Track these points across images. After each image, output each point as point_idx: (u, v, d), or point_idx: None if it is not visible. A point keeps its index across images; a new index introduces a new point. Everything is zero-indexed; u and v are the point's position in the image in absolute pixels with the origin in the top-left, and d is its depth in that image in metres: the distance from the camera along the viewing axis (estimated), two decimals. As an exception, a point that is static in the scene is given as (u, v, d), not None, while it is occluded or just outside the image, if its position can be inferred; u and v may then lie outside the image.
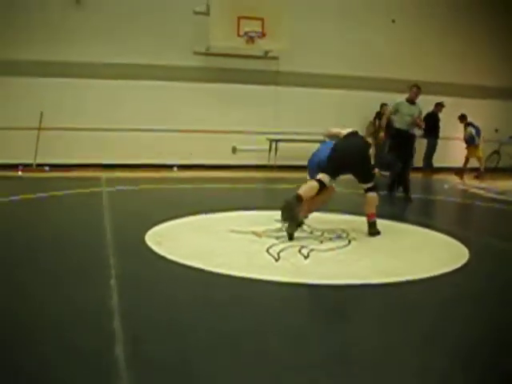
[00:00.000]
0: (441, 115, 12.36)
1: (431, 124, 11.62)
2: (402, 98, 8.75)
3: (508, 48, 13.62)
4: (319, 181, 5.47)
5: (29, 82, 10.75)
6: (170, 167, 11.48)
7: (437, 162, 12.60)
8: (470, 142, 12.19)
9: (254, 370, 2.71)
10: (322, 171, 5.55)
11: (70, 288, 3.80)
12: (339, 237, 5.54)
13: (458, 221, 7.80)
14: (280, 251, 4.83)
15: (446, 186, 10.74)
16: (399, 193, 8.60)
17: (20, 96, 10.76)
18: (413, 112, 8.50)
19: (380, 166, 11.17)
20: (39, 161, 10.86)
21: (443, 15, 13.09)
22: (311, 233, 5.63)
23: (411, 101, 8.57)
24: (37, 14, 10.70)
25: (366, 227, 5.74)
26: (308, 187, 5.46)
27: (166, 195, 8.44)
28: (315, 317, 3.57)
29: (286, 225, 5.38)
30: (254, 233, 5.52)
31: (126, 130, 11.36)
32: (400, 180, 8.61)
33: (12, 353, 2.79)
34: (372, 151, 5.82)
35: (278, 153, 12.21)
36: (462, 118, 12.38)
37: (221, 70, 11.88)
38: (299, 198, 5.32)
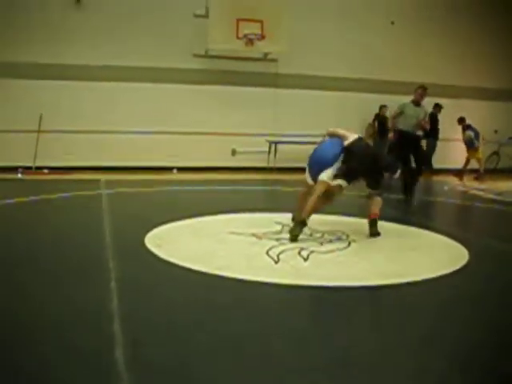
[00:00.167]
0: (440, 116, 12.38)
1: (430, 125, 11.62)
2: (406, 99, 8.72)
3: (507, 49, 13.65)
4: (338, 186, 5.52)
5: (28, 84, 10.76)
6: (169, 169, 11.49)
7: (436, 163, 12.62)
8: (470, 145, 12.21)
9: (255, 372, 2.70)
10: (341, 177, 5.53)
11: (70, 290, 3.80)
12: (339, 239, 5.54)
13: (458, 222, 7.80)
14: (280, 253, 4.82)
15: (445, 188, 10.74)
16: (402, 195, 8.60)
17: (19, 98, 10.78)
18: (418, 114, 8.47)
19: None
20: (38, 163, 10.86)
21: (442, 17, 13.12)
22: (311, 235, 5.63)
23: (416, 102, 8.53)
24: (36, 14, 10.73)
25: (365, 229, 5.74)
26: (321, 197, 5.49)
27: (166, 197, 8.44)
28: (315, 319, 3.57)
29: (293, 228, 5.39)
30: (254, 235, 5.52)
31: (126, 133, 11.38)
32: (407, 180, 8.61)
33: (12, 353, 2.79)
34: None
35: (277, 155, 12.22)
36: (461, 120, 12.40)
37: (220, 72, 11.89)
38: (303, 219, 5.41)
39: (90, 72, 11.13)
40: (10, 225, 6.04)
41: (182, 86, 11.78)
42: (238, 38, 11.23)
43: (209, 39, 11.16)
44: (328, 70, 12.42)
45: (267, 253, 4.84)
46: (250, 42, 11.30)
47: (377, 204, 5.74)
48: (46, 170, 10.72)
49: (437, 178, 12.09)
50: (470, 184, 11.51)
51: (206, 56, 11.77)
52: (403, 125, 8.48)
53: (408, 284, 4.15)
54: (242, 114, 12.11)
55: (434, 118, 12.12)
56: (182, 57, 11.64)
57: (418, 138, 8.78)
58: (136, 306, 3.54)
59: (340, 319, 3.53)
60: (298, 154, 11.44)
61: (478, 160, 12.47)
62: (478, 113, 13.16)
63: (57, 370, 2.64)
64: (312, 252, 4.92)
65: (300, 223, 5.39)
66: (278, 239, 5.36)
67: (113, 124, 11.27)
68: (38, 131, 10.92)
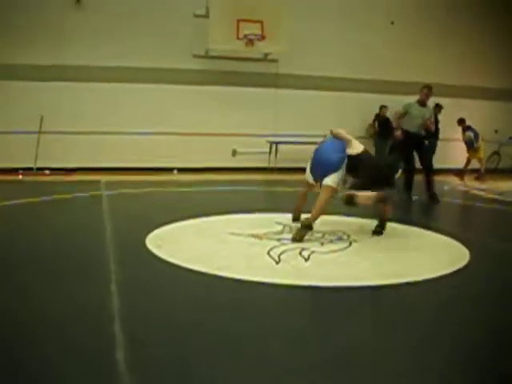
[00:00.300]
0: (440, 116, 12.37)
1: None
2: (410, 99, 8.71)
3: (508, 49, 13.65)
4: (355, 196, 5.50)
5: (28, 86, 10.76)
6: (169, 170, 11.49)
7: (437, 163, 12.58)
8: (470, 146, 12.22)
9: (255, 373, 2.70)
10: (360, 188, 5.48)
11: (71, 290, 3.80)
12: (340, 239, 5.54)
13: (459, 222, 7.80)
14: (281, 253, 4.82)
15: (446, 188, 10.73)
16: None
17: (19, 100, 10.78)
18: (423, 114, 8.44)
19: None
20: (39, 165, 10.87)
21: (442, 17, 13.12)
22: (312, 235, 5.63)
23: (422, 102, 8.51)
24: (36, 15, 10.72)
25: (366, 229, 5.75)
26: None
27: (167, 198, 8.44)
28: (315, 319, 3.57)
29: (298, 231, 5.39)
30: (255, 235, 5.52)
31: (126, 134, 11.38)
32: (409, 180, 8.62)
33: (13, 353, 2.80)
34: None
35: (278, 155, 12.22)
36: (461, 122, 12.41)
37: (220, 72, 11.90)
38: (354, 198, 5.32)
39: (91, 73, 11.14)
40: (11, 226, 6.04)
41: (182, 86, 11.78)
42: (238, 38, 11.23)
43: (209, 39, 11.16)
44: (328, 71, 12.42)
45: (268, 253, 4.84)
46: (250, 42, 11.30)
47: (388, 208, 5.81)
48: (46, 171, 10.73)
49: (437, 178, 12.04)
50: (471, 184, 11.51)
51: (207, 56, 11.78)
52: (408, 125, 8.42)
53: (409, 284, 4.15)
54: (243, 115, 12.12)
55: (434, 118, 12.11)
56: (182, 57, 11.65)
57: (423, 138, 8.76)
58: (136, 306, 3.54)
59: (340, 319, 3.53)
60: (298, 155, 11.45)
61: (480, 160, 12.47)
62: (478, 113, 13.16)
63: (58, 369, 2.65)
64: (313, 252, 4.92)
65: (306, 227, 5.40)
66: (278, 239, 5.36)
67: (113, 125, 11.28)
68: (39, 132, 10.94)
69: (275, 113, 12.24)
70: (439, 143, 12.48)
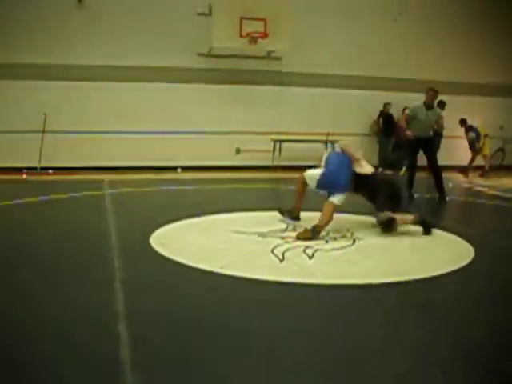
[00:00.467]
0: (443, 113, 12.30)
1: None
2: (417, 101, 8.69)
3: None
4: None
5: (31, 85, 10.76)
6: (173, 169, 11.49)
7: (441, 160, 12.52)
8: (473, 147, 12.20)
9: (258, 370, 2.71)
10: (386, 209, 5.64)
11: (74, 289, 3.81)
12: (344, 236, 5.53)
13: (463, 219, 7.77)
14: (284, 251, 4.82)
15: (450, 185, 10.69)
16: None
17: (23, 99, 10.78)
18: (429, 118, 8.42)
19: (383, 165, 11.18)
20: (43, 164, 10.89)
21: (445, 14, 13.05)
22: (315, 233, 5.62)
23: (428, 105, 8.46)
24: (38, 15, 10.71)
25: (370, 227, 5.75)
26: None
27: (170, 197, 8.45)
28: (319, 317, 3.55)
29: (307, 232, 5.39)
30: (259, 233, 5.52)
31: (129, 133, 11.37)
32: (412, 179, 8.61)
33: (16, 351, 2.81)
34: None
35: (281, 153, 12.20)
36: (463, 122, 12.35)
37: (224, 70, 11.88)
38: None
39: (94, 72, 11.13)
40: (15, 225, 6.05)
41: (185, 85, 11.77)
42: (241, 36, 11.20)
43: (213, 38, 11.14)
44: (332, 68, 12.38)
45: (272, 251, 4.84)
46: (253, 40, 11.27)
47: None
48: (50, 171, 10.75)
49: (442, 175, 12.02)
50: (475, 181, 11.47)
51: (210, 55, 11.76)
52: (415, 129, 8.38)
53: (413, 282, 4.14)
54: (246, 113, 12.10)
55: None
56: (185, 56, 11.63)
57: (431, 140, 8.74)
58: (140, 305, 3.55)
59: (344, 317, 3.52)
60: (302, 152, 11.45)
61: (484, 156, 12.43)
62: (483, 109, 13.10)
63: (60, 367, 2.66)
64: (317, 250, 4.92)
65: (316, 232, 5.38)
66: (282, 237, 5.36)
67: (117, 124, 11.27)
68: (43, 132, 10.95)
69: (279, 111, 12.20)
70: (443, 140, 12.42)
